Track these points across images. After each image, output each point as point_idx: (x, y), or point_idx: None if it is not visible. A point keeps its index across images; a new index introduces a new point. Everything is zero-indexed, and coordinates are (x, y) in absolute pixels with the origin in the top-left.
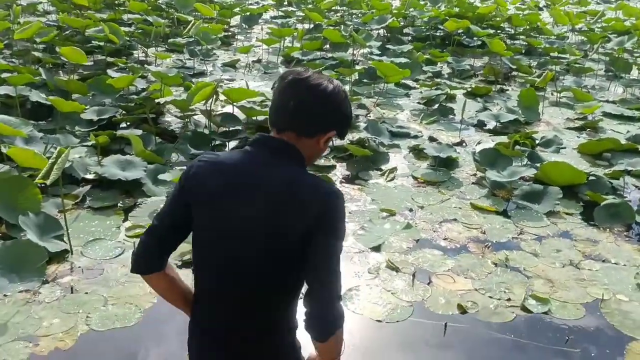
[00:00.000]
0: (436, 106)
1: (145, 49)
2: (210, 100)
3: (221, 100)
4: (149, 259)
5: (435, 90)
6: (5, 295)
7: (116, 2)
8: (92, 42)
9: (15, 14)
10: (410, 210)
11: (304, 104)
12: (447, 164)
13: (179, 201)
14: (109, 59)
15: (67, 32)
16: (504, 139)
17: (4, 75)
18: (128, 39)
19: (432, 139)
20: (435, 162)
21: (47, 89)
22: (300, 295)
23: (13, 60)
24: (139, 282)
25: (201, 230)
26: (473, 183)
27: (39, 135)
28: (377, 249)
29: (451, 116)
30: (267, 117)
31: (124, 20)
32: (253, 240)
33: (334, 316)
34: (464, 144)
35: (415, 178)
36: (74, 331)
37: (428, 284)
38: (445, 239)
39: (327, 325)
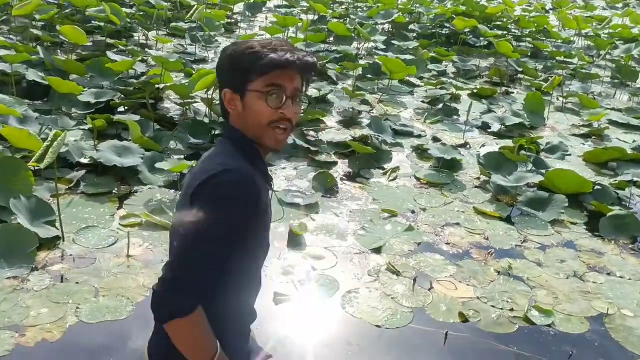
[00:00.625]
0: (440, 105)
1: (146, 32)
2: (212, 88)
3: None
4: (199, 295)
5: (439, 89)
6: None
7: None
8: (92, 22)
9: None
10: (413, 212)
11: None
12: (450, 166)
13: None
14: (109, 40)
15: (67, 11)
16: (508, 142)
17: (1, 52)
18: (129, 20)
19: (435, 139)
20: (439, 163)
21: (44, 67)
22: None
23: (11, 37)
24: (131, 274)
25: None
26: (476, 186)
27: (34, 116)
28: (377, 250)
29: (455, 116)
30: None
31: (125, 2)
32: None
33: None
34: (468, 146)
35: (417, 179)
36: (62, 322)
37: (429, 289)
38: (447, 244)
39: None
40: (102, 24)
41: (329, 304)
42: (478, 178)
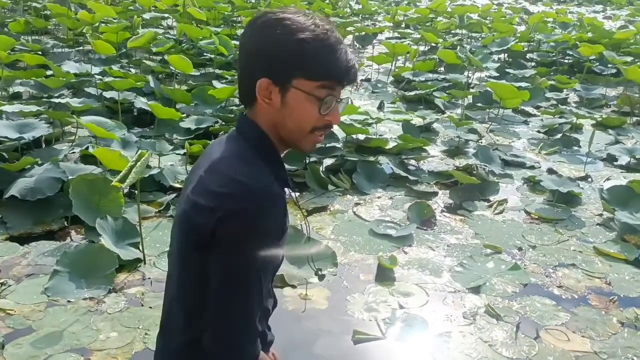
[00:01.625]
0: (559, 136)
1: None
2: None
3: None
4: (256, 334)
5: (558, 118)
6: (69, 302)
7: (233, 18)
8: (205, 54)
9: (135, 25)
10: (520, 249)
11: (242, 64)
12: (567, 200)
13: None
14: (218, 71)
15: (183, 44)
16: (638, 176)
17: (113, 80)
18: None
19: (551, 171)
20: (554, 197)
21: (154, 96)
22: None
23: (130, 69)
24: None
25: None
26: (598, 224)
27: (134, 140)
28: (476, 290)
29: (575, 148)
30: (367, 136)
31: (238, 36)
32: None
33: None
34: (589, 179)
35: (528, 213)
36: (129, 348)
37: (535, 338)
38: (559, 287)
39: None
40: (212, 55)
41: (416, 348)
42: (600, 215)
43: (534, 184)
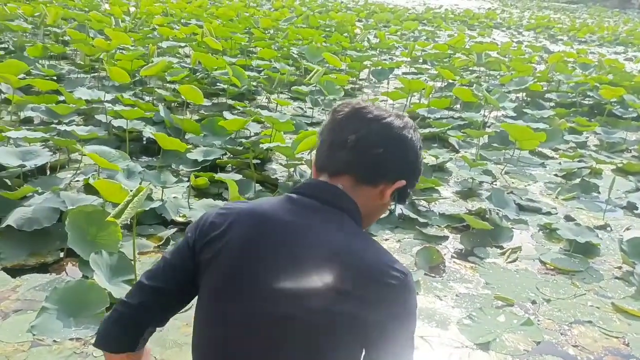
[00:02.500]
0: (577, 180)
1: (269, 95)
2: (312, 148)
3: None
4: (127, 333)
5: (577, 162)
6: (54, 342)
7: (250, 48)
8: (218, 84)
9: (151, 53)
10: (533, 302)
11: (369, 141)
12: (585, 250)
13: (187, 257)
14: (230, 102)
15: (198, 74)
16: None
17: (122, 108)
18: (254, 84)
19: (568, 219)
20: (571, 247)
21: (164, 125)
22: None
23: (143, 97)
24: None
25: (215, 301)
26: (617, 278)
27: (138, 170)
28: (484, 346)
29: (594, 194)
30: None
31: (253, 67)
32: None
33: None
34: (608, 228)
35: (543, 263)
36: None
37: None
38: (575, 346)
39: None
40: (225, 86)
41: None
42: (619, 267)
43: (550, 231)
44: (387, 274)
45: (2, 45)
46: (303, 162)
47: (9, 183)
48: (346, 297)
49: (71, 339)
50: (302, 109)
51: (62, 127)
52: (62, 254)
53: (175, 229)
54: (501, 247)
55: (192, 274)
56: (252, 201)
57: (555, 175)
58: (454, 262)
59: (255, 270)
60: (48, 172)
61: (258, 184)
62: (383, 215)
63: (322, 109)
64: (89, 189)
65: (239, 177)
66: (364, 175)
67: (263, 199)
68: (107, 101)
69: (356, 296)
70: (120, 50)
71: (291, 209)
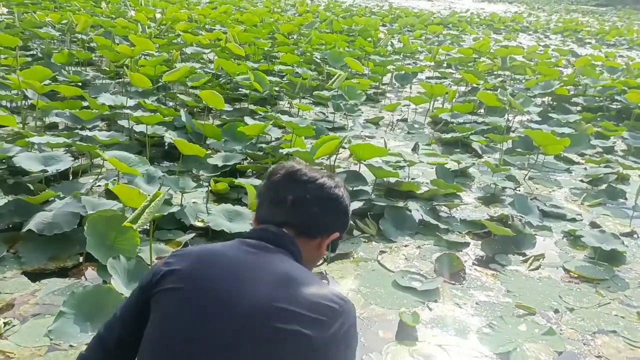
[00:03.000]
0: (603, 186)
1: (291, 100)
2: (335, 155)
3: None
4: None
5: (604, 167)
6: (70, 346)
7: (273, 53)
8: (240, 89)
9: (174, 59)
10: (556, 311)
11: (306, 201)
12: (610, 258)
13: (141, 301)
14: (252, 107)
15: (221, 79)
16: None
17: (144, 114)
18: (277, 89)
19: (594, 225)
20: (596, 254)
21: (185, 130)
22: None
23: (166, 102)
24: None
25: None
26: None
27: (158, 176)
28: (505, 356)
29: (621, 200)
30: (398, 179)
31: (276, 72)
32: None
33: None
34: (634, 236)
35: (566, 271)
36: None
37: None
38: (598, 357)
39: None
40: (247, 91)
41: None
42: None
43: (574, 239)
44: (330, 299)
45: (31, 52)
46: (323, 167)
47: (32, 188)
48: (291, 317)
49: (87, 344)
50: (324, 113)
51: (85, 133)
52: (81, 259)
53: (193, 234)
54: (524, 254)
55: (145, 320)
56: (201, 246)
57: (581, 180)
58: (474, 269)
59: (204, 303)
60: (70, 177)
61: None
62: (318, 264)
63: (344, 114)
64: (109, 194)
65: (258, 182)
66: (303, 230)
67: (214, 245)
68: (129, 107)
69: (300, 318)
70: (145, 57)
71: (239, 248)
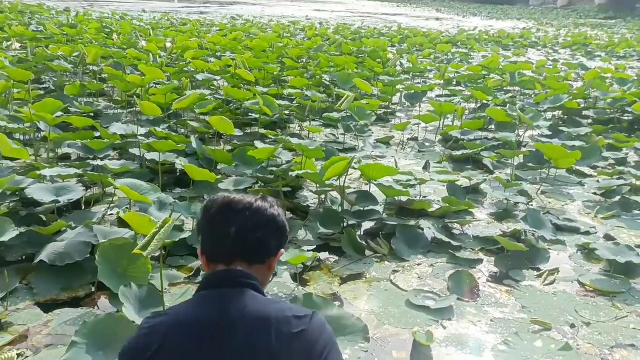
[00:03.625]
0: (617, 198)
1: (301, 123)
2: (344, 175)
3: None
4: None
5: (616, 179)
6: None
7: (282, 77)
8: (250, 114)
9: (184, 86)
10: (572, 326)
11: (247, 228)
12: (626, 271)
13: None
14: (262, 131)
15: (231, 105)
16: None
17: (154, 141)
18: (286, 112)
19: (608, 238)
20: (611, 267)
21: (196, 157)
22: None
23: (177, 129)
24: None
25: None
26: None
27: (169, 202)
28: None
29: (635, 211)
30: (409, 198)
31: (285, 95)
32: None
33: None
34: None
35: (582, 284)
36: None
37: None
38: None
39: None
40: (257, 115)
41: None
42: None
43: (588, 252)
44: (296, 320)
45: (43, 85)
46: (333, 188)
47: (44, 218)
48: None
49: None
50: (334, 135)
51: (97, 162)
52: (93, 288)
53: None
54: (537, 269)
55: None
56: (169, 310)
57: (594, 193)
58: (488, 285)
59: None
60: (82, 207)
61: (288, 212)
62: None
63: (354, 135)
64: (121, 222)
65: None
66: (253, 258)
67: (178, 307)
68: (140, 135)
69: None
70: (155, 85)
71: (205, 307)
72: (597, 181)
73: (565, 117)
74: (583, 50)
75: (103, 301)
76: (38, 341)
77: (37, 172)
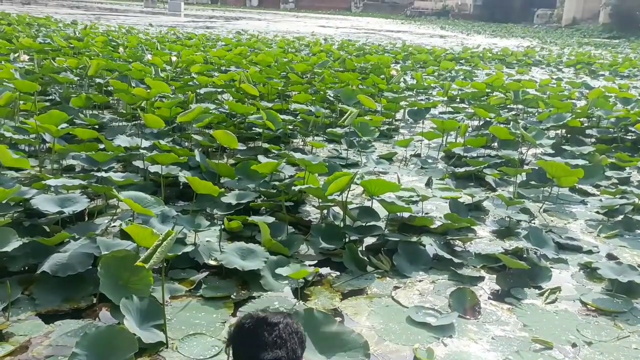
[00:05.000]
0: (620, 218)
1: (304, 138)
2: (347, 191)
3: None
4: None
5: (619, 198)
6: None
7: (287, 92)
8: (254, 128)
9: (190, 100)
10: (574, 345)
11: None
12: (628, 291)
13: None
14: (265, 145)
15: (235, 119)
16: None
17: (157, 154)
18: (290, 127)
19: (610, 257)
20: (613, 287)
21: (200, 170)
22: None
23: (181, 143)
24: None
25: None
26: None
27: (172, 215)
28: None
29: (638, 231)
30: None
31: (290, 110)
32: None
33: None
34: None
35: (584, 304)
36: None
37: None
38: None
39: None
40: (260, 130)
41: None
42: None
43: (591, 271)
44: None
45: (50, 97)
46: (335, 203)
47: (47, 229)
48: None
49: None
50: (337, 150)
51: (101, 174)
52: (95, 299)
53: (207, 273)
54: (539, 288)
55: None
56: None
57: (597, 212)
58: (490, 303)
59: None
60: (86, 218)
61: (291, 226)
62: None
63: (358, 151)
64: (124, 234)
65: (272, 219)
66: None
67: None
68: (144, 148)
69: None
70: (161, 99)
71: None
72: (600, 200)
73: (569, 135)
74: (587, 69)
75: (104, 313)
76: (39, 352)
77: (43, 182)
